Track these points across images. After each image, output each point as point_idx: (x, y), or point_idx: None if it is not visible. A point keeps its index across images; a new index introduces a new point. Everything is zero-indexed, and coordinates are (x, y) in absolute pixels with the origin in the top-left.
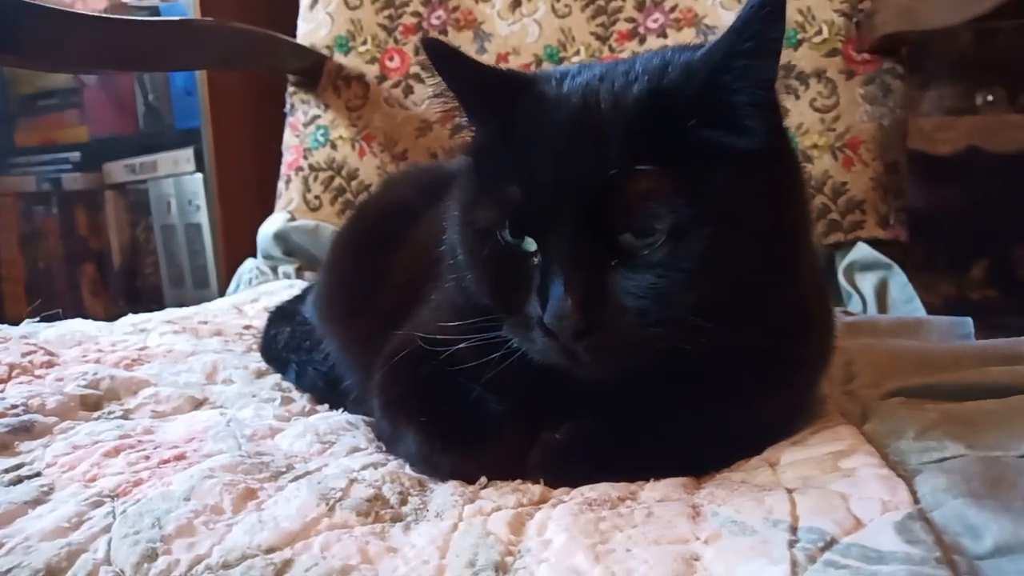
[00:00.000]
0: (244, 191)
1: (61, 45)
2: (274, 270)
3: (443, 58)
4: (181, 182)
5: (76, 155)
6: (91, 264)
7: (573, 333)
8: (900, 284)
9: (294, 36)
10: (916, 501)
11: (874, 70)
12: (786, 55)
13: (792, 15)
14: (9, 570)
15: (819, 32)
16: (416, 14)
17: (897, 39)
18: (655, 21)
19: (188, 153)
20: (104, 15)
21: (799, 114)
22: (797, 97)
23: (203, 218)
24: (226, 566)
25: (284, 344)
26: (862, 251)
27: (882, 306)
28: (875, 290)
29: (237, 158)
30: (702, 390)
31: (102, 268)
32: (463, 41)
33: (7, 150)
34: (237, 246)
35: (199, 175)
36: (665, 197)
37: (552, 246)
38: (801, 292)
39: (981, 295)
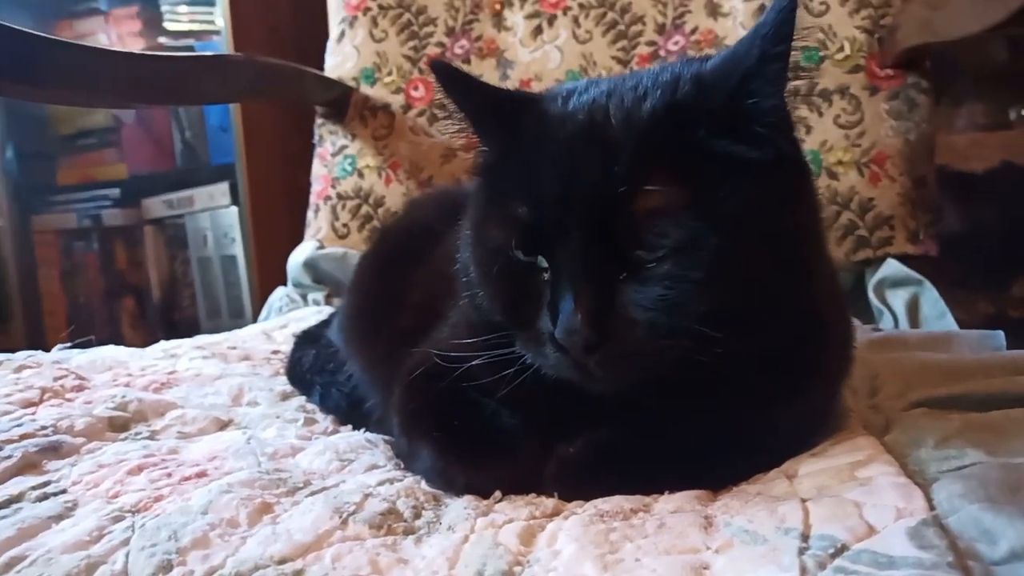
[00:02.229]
0: (277, 223)
1: (93, 79)
2: (304, 297)
3: (450, 79)
4: (217, 216)
5: (115, 192)
6: (131, 298)
7: (584, 347)
8: (932, 300)
9: (322, 69)
10: (932, 508)
11: (898, 85)
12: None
13: (814, 33)
14: None
15: (841, 49)
16: (440, 44)
17: (920, 52)
18: (675, 44)
19: (223, 187)
20: (137, 52)
21: (823, 131)
22: (820, 114)
23: (238, 250)
24: None
25: (308, 366)
26: (892, 267)
27: (914, 322)
28: (906, 306)
29: (270, 191)
30: (718, 401)
31: (141, 302)
32: (486, 69)
33: (49, 189)
34: (271, 277)
35: (234, 208)
36: (674, 213)
37: (561, 262)
38: (816, 300)
39: (1022, 313)
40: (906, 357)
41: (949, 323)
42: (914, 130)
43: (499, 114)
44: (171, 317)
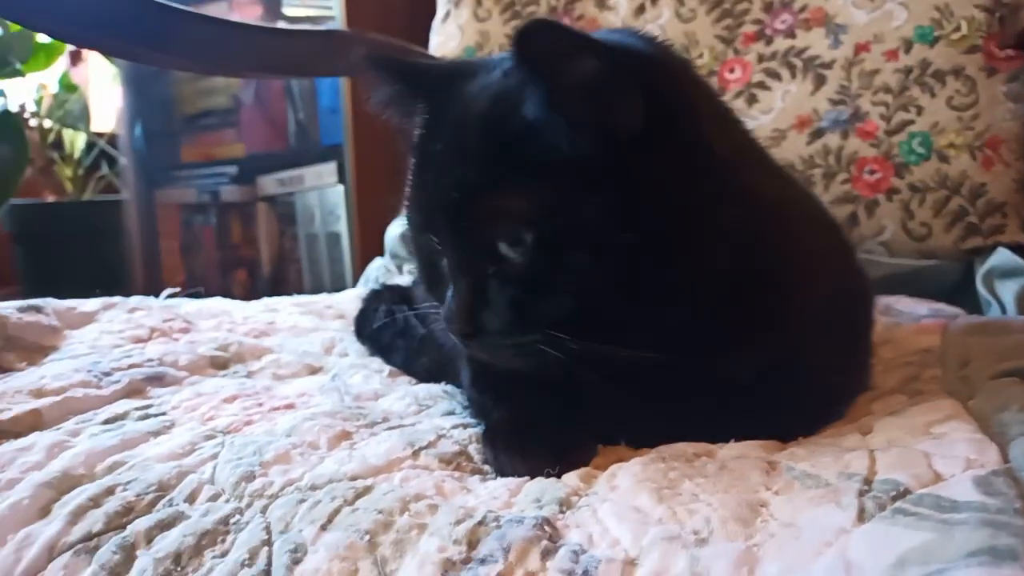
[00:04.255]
0: (380, 202)
1: (214, 48)
2: (399, 268)
3: (383, 62)
4: (324, 194)
5: (233, 169)
6: (243, 270)
7: (460, 335)
8: None
9: (428, 48)
10: (1007, 463)
11: (1018, 66)
12: (921, 52)
13: (929, 12)
14: (129, 482)
15: (957, 28)
16: None
17: None
18: (783, 22)
19: (331, 167)
20: (253, 23)
21: (934, 112)
22: (933, 95)
23: (343, 227)
24: (313, 488)
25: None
26: (1002, 256)
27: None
28: (1016, 298)
29: (375, 171)
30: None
31: (252, 274)
32: None
33: (173, 165)
34: (373, 253)
35: (340, 187)
36: (524, 218)
37: (445, 251)
38: (738, 272)
39: None
40: (1003, 338)
41: None
42: None
43: (423, 91)
44: (279, 290)
